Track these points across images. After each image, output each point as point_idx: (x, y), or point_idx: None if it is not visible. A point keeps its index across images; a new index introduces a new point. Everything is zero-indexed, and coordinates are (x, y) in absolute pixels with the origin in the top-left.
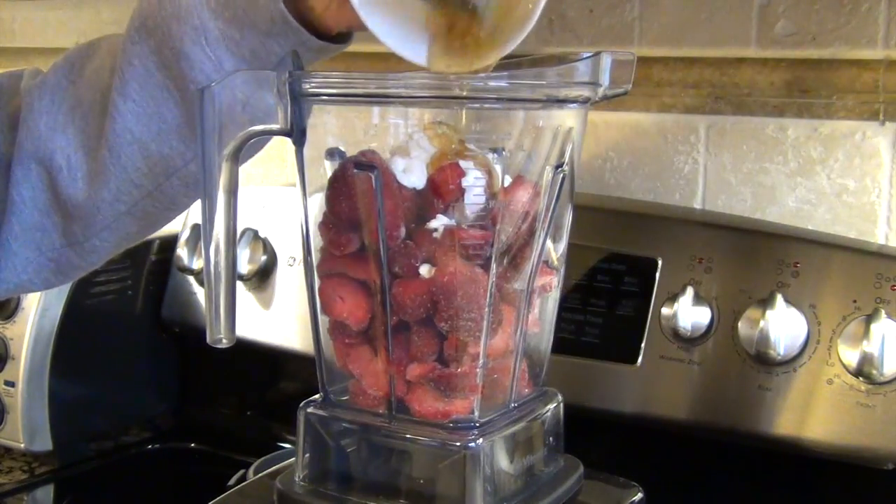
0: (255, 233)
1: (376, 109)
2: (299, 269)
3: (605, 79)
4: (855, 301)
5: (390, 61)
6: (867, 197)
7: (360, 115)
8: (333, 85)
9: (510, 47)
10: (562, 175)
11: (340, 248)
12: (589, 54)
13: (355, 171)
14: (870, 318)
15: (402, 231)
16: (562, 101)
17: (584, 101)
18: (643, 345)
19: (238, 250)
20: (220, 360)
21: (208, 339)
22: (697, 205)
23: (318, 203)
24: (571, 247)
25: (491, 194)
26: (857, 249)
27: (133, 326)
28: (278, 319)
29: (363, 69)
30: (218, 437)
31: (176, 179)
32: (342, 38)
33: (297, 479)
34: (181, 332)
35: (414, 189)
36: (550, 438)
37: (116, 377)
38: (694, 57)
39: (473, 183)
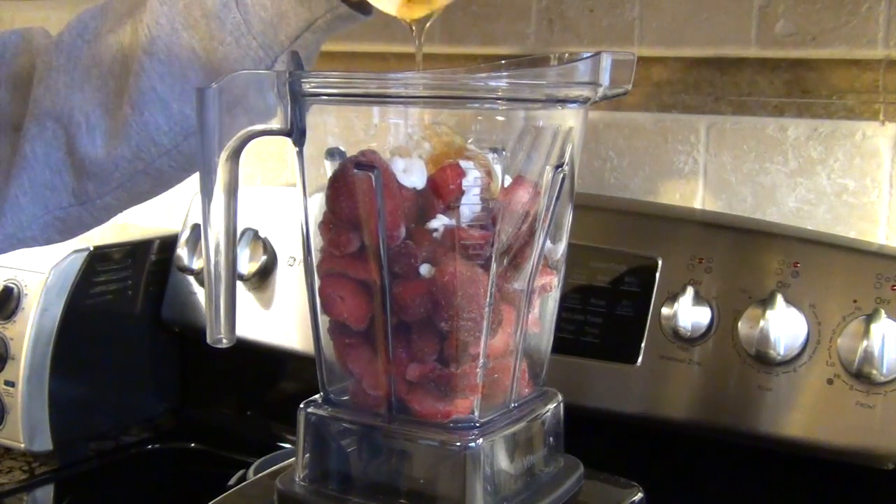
0: (255, 233)
1: (376, 109)
2: (299, 269)
3: (605, 79)
4: (855, 301)
5: (390, 61)
6: (867, 197)
7: (360, 115)
8: (333, 85)
9: None
10: (562, 175)
11: (340, 248)
12: (589, 54)
13: (355, 171)
14: (870, 318)
15: (402, 231)
16: (562, 101)
17: (584, 101)
18: (643, 345)
19: (238, 250)
20: (220, 360)
21: (208, 339)
22: (697, 205)
23: (318, 203)
24: (571, 247)
25: (491, 194)
26: (858, 249)
27: (133, 326)
28: (278, 319)
29: (363, 69)
30: (218, 437)
31: (195, 140)
32: (364, 8)
33: (297, 479)
34: (181, 332)
35: (414, 189)
36: (550, 438)
37: (116, 377)
38: (694, 57)
39: (473, 183)
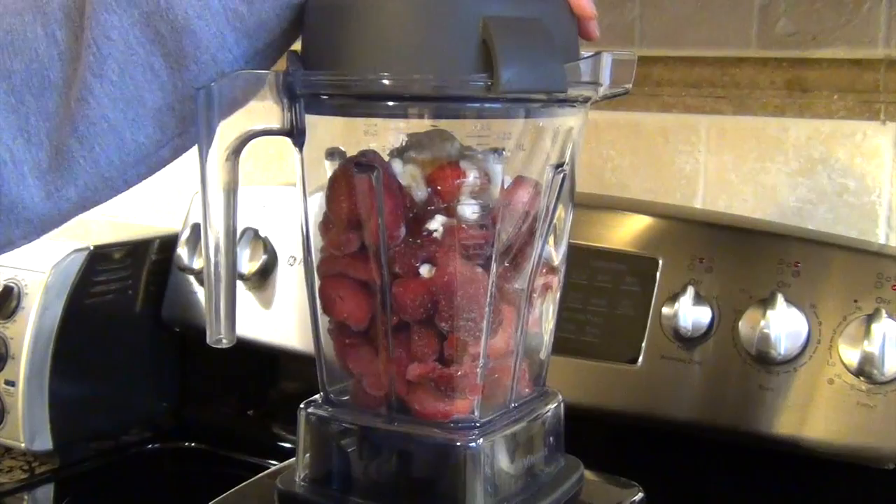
0: (255, 233)
1: None
2: (299, 269)
3: (605, 78)
4: (856, 301)
5: None
6: (868, 197)
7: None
8: (333, 85)
9: None
10: (562, 175)
11: (340, 248)
12: (589, 54)
13: (355, 171)
14: (870, 318)
15: (403, 231)
16: (562, 101)
17: (585, 101)
18: (643, 345)
19: (238, 250)
20: (220, 360)
21: (208, 339)
22: (698, 204)
23: (318, 203)
24: (571, 247)
25: (491, 194)
26: (858, 249)
27: (133, 326)
28: (278, 319)
29: None
30: (218, 437)
31: (143, 167)
32: None
33: (297, 479)
34: (181, 332)
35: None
36: (551, 438)
37: (116, 377)
38: (694, 56)
39: (473, 182)
